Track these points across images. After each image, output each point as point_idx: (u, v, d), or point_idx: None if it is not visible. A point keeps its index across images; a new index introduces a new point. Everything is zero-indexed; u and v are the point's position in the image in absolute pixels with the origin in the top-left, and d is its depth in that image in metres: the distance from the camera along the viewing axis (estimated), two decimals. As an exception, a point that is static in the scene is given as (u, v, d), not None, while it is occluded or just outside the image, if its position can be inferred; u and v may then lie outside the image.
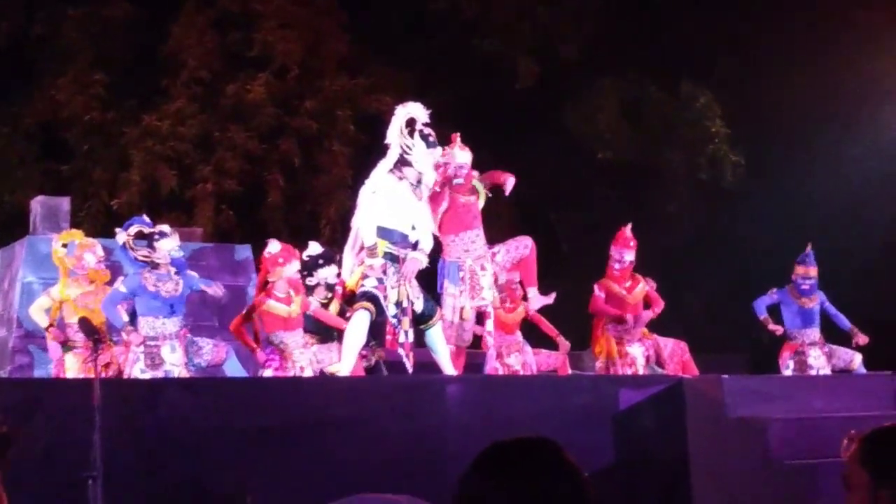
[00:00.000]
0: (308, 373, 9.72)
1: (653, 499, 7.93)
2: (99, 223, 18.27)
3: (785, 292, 11.44)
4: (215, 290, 9.80)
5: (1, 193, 19.81)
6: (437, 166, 9.40)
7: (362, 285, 8.74)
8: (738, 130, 20.68)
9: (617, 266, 11.13)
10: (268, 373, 9.78)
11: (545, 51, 21.35)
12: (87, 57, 20.20)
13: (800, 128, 19.61)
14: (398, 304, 8.77)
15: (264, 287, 10.04)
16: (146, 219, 9.84)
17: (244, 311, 10.26)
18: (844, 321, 11.46)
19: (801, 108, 19.67)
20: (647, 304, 11.23)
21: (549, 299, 10.42)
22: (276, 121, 20.39)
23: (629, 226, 11.29)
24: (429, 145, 8.95)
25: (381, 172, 8.97)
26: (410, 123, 8.99)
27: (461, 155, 9.75)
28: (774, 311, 11.58)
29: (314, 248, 10.80)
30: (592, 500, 2.14)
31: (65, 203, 13.14)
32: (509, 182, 10.15)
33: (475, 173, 9.95)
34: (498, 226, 21.32)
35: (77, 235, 10.56)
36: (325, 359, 10.01)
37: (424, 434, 7.68)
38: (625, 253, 11.13)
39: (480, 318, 10.00)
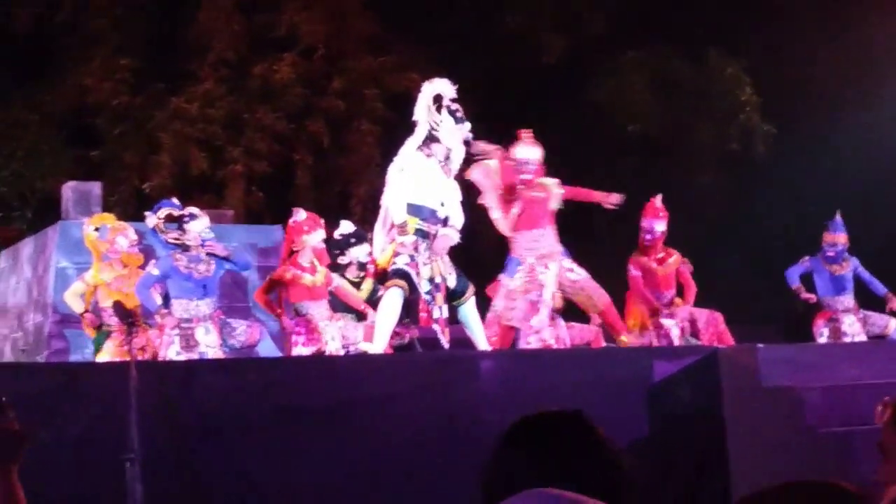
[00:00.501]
0: (335, 345, 9.78)
1: (689, 469, 7.92)
2: (130, 207, 18.34)
3: (817, 260, 11.39)
4: (221, 249, 9.73)
5: (32, 180, 19.91)
6: (504, 165, 9.49)
7: (394, 263, 8.74)
8: (768, 100, 20.54)
9: (648, 237, 11.10)
10: (298, 348, 9.86)
11: (571, 25, 21.26)
12: (114, 42, 20.25)
13: (830, 96, 19.48)
14: (431, 280, 8.76)
15: (290, 256, 10.14)
16: (175, 201, 9.86)
17: (268, 280, 10.36)
18: (879, 286, 11.40)
19: (832, 77, 19.54)
20: (680, 284, 11.19)
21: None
22: (304, 101, 20.41)
23: (659, 196, 11.25)
24: (457, 121, 8.92)
25: (409, 150, 8.96)
26: (437, 100, 8.97)
27: (526, 151, 9.83)
28: (808, 280, 11.52)
29: (346, 226, 10.88)
30: (625, 472, 2.12)
31: (96, 188, 13.20)
32: (612, 198, 10.17)
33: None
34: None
35: (109, 219, 10.61)
36: (350, 336, 10.05)
37: (459, 410, 7.68)
38: (654, 223, 11.09)
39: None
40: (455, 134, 8.94)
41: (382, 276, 9.03)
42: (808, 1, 19.77)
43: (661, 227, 11.10)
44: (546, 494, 1.98)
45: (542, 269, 9.73)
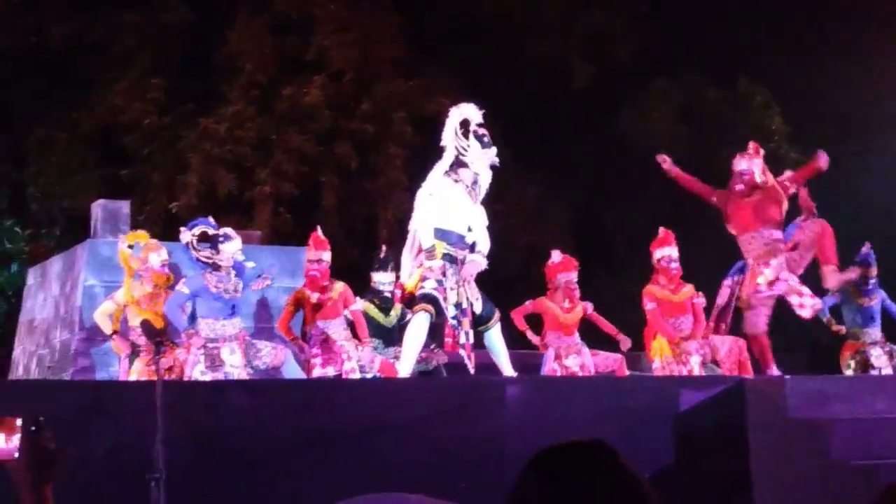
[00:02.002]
0: (351, 364, 9.83)
1: (713, 500, 7.88)
2: (158, 226, 18.43)
3: (845, 292, 11.33)
4: (260, 283, 9.90)
5: (62, 198, 20.04)
6: (745, 175, 9.61)
7: (422, 287, 8.74)
8: (798, 129, 20.51)
9: (674, 266, 11.01)
10: (316, 371, 9.91)
11: (598, 52, 21.31)
12: (145, 62, 20.41)
13: (860, 125, 19.42)
14: (458, 305, 8.75)
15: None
16: (211, 220, 9.90)
17: (286, 308, 10.46)
18: None
19: (862, 105, 19.48)
20: (694, 317, 11.12)
21: (852, 274, 10.49)
22: (333, 123, 20.50)
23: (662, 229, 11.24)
24: (483, 145, 8.92)
25: (437, 175, 8.97)
26: (464, 124, 8.98)
27: (741, 162, 9.98)
28: (835, 311, 11.47)
29: (381, 251, 11.09)
30: (649, 502, 2.12)
31: (125, 207, 13.25)
32: (821, 159, 10.12)
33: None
34: (554, 225, 21.41)
35: (142, 237, 10.66)
36: (365, 363, 10.10)
37: (483, 436, 7.67)
38: (673, 252, 11.04)
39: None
40: (482, 159, 8.93)
41: (410, 301, 9.03)
42: (838, 30, 19.75)
43: (676, 254, 11.07)
44: None
45: (761, 267, 9.82)
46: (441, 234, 8.81)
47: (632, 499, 2.10)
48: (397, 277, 9.88)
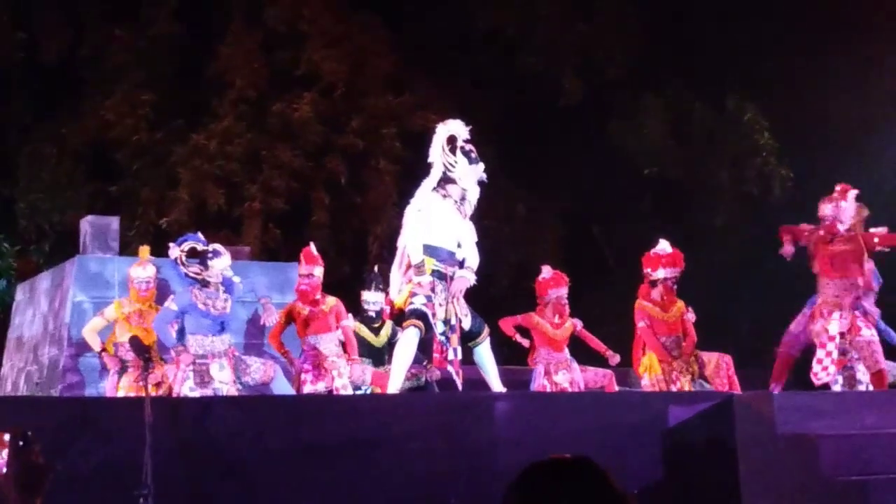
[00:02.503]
0: (342, 381, 9.82)
1: (703, 516, 7.88)
2: (147, 242, 18.37)
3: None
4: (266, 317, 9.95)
5: (50, 213, 20.00)
6: (826, 221, 9.93)
7: (411, 303, 8.74)
8: (787, 144, 20.56)
9: (671, 283, 11.02)
10: (307, 386, 9.91)
11: (589, 67, 21.35)
12: (135, 77, 20.39)
13: (849, 139, 19.47)
14: (446, 321, 8.75)
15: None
16: (200, 236, 9.90)
17: (278, 321, 10.46)
18: (894, 335, 11.35)
19: (852, 120, 19.54)
20: (684, 333, 11.12)
21: None
22: (323, 139, 20.50)
23: (665, 243, 11.21)
24: (471, 161, 8.93)
25: (425, 191, 8.98)
26: (451, 141, 8.99)
27: (825, 207, 10.32)
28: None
29: (372, 271, 11.16)
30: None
31: (114, 222, 13.21)
32: None
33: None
34: (544, 240, 21.42)
35: (143, 252, 10.70)
36: (356, 377, 10.11)
37: (472, 452, 7.67)
38: (668, 270, 11.02)
39: None
40: (470, 175, 8.94)
41: (399, 317, 9.03)
42: (828, 45, 19.80)
43: (674, 273, 11.07)
44: None
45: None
46: (430, 250, 8.80)
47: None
48: (387, 294, 9.88)
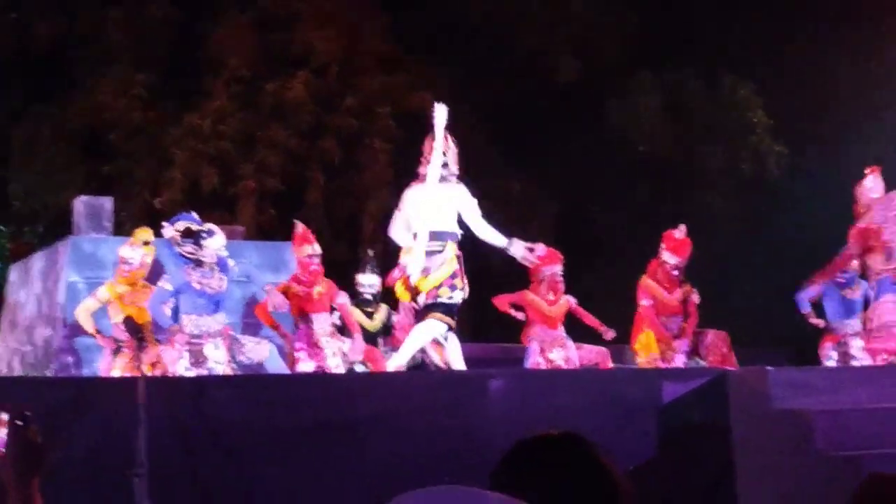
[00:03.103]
0: (335, 361, 9.80)
1: (697, 491, 7.89)
2: (141, 222, 18.35)
3: (829, 283, 11.34)
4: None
5: (44, 194, 19.98)
6: None
7: (451, 297, 8.87)
8: (781, 122, 20.56)
9: (676, 272, 11.05)
10: (300, 364, 9.89)
11: (584, 47, 21.32)
12: (129, 58, 20.36)
13: (844, 117, 19.46)
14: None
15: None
16: (195, 216, 9.86)
17: (272, 295, 10.38)
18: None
19: (846, 97, 19.52)
20: (686, 314, 11.14)
21: None
22: (317, 119, 20.48)
23: (684, 228, 11.19)
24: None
25: (446, 175, 9.17)
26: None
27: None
28: (819, 302, 11.48)
29: (367, 254, 11.14)
30: (624, 494, 2.11)
31: (108, 203, 13.19)
32: None
33: None
34: (539, 219, 21.41)
35: (143, 233, 10.67)
36: (352, 355, 10.11)
37: (467, 430, 7.67)
38: (682, 260, 11.06)
39: None
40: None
41: (415, 295, 9.06)
42: (821, 23, 19.78)
43: (685, 260, 11.10)
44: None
45: None
46: (453, 236, 8.96)
47: (603, 491, 2.09)
48: (385, 277, 9.89)
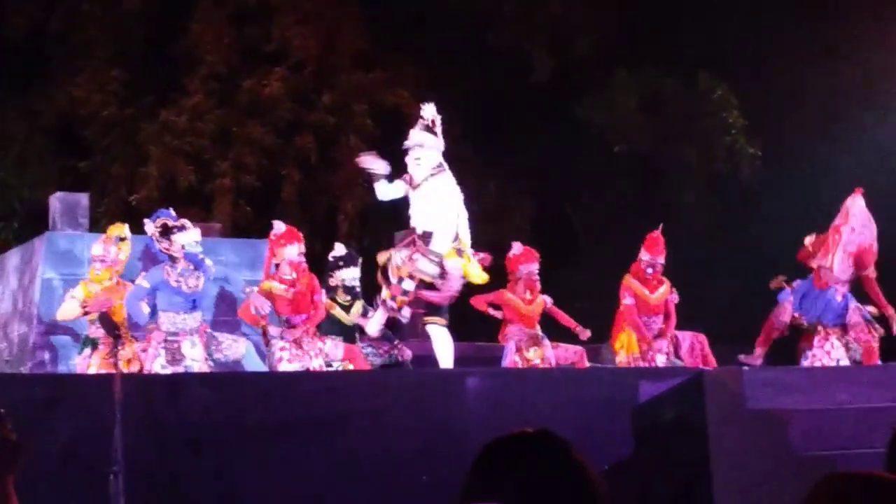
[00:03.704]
0: (317, 361, 9.79)
1: (673, 492, 7.92)
2: (117, 219, 18.29)
3: (808, 282, 11.36)
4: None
5: (20, 190, 19.88)
6: None
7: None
8: (757, 122, 20.62)
9: (650, 270, 11.11)
10: (282, 364, 9.83)
11: (560, 44, 21.33)
12: (105, 53, 20.27)
13: (819, 117, 19.54)
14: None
15: (277, 270, 10.20)
16: (172, 212, 9.84)
17: (254, 298, 10.32)
18: (864, 310, 11.41)
19: (822, 98, 19.60)
20: (666, 314, 11.20)
21: None
22: (293, 115, 20.43)
23: (660, 228, 11.28)
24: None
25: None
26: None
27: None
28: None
29: (338, 249, 10.95)
30: (598, 495, 2.11)
31: (84, 199, 13.14)
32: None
33: None
34: (515, 217, 21.42)
35: (118, 229, 10.59)
36: (332, 355, 10.07)
37: (443, 428, 7.68)
38: (659, 258, 11.12)
39: None
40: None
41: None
42: (798, 22, 19.86)
43: (662, 260, 11.15)
44: None
45: None
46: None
47: (578, 489, 2.10)
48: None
